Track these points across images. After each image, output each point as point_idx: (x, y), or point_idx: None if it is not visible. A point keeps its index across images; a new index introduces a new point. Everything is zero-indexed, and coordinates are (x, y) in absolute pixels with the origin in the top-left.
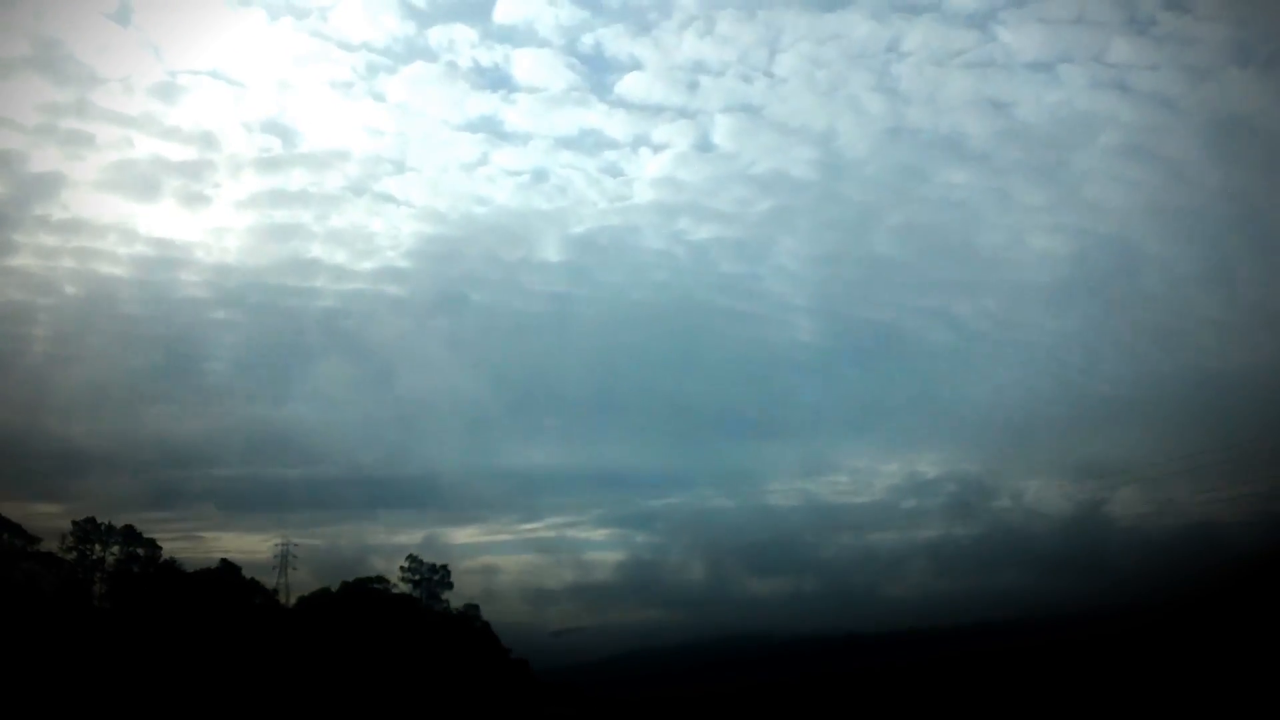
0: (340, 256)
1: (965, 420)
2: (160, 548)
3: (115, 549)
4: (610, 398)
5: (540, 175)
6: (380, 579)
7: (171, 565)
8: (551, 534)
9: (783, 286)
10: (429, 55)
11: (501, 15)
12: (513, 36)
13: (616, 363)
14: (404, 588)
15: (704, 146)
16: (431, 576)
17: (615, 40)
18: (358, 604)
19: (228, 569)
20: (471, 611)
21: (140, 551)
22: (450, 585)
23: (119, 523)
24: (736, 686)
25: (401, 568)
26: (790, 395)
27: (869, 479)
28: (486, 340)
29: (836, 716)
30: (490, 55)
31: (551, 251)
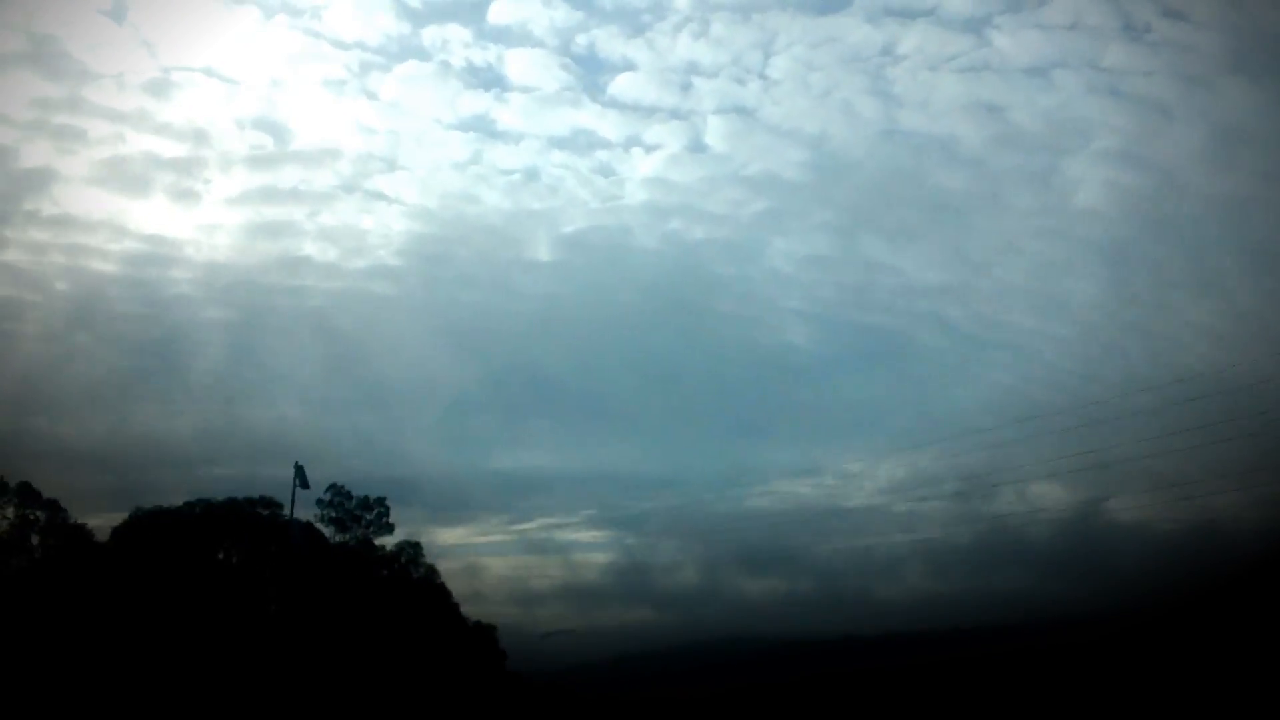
0: (331, 254)
1: (958, 423)
2: (65, 510)
3: (10, 512)
4: (602, 399)
5: (532, 174)
6: (267, 501)
7: (82, 530)
8: (541, 535)
9: (774, 289)
10: (422, 54)
11: (495, 15)
12: (506, 37)
13: (608, 364)
14: (326, 530)
15: (696, 148)
16: (361, 514)
17: (609, 41)
18: (200, 529)
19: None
20: (410, 553)
21: (39, 515)
22: (390, 528)
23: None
24: (729, 689)
25: (320, 501)
26: (782, 397)
27: (862, 481)
28: (477, 340)
29: (832, 719)
30: (484, 55)
31: (543, 251)
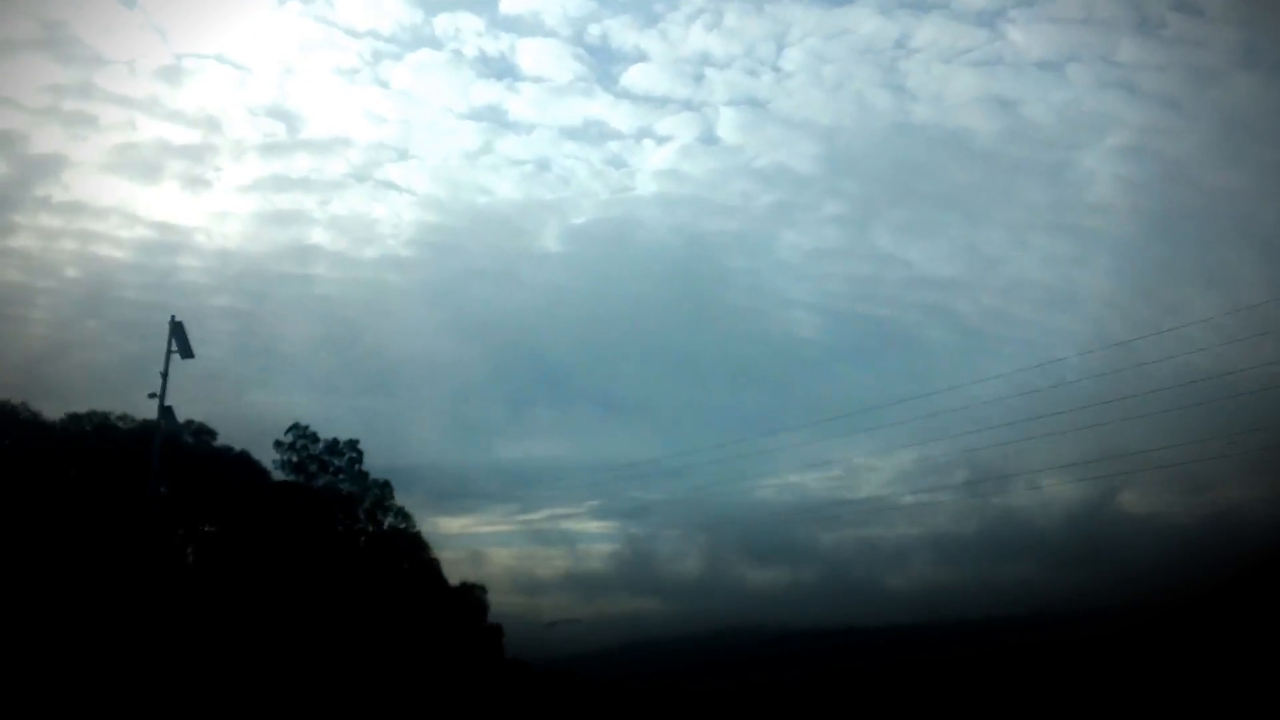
0: (341, 243)
1: (966, 415)
2: None
3: None
4: (609, 389)
5: (543, 165)
6: (202, 428)
7: None
8: (548, 525)
9: (784, 281)
10: (434, 43)
11: (508, 4)
12: (519, 26)
13: (616, 354)
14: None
15: (708, 139)
16: (329, 460)
17: (622, 31)
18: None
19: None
20: (376, 493)
21: None
22: (364, 477)
23: None
24: (733, 679)
25: (278, 443)
26: (789, 390)
27: (869, 473)
28: (485, 331)
29: (836, 711)
30: (496, 44)
31: (552, 242)
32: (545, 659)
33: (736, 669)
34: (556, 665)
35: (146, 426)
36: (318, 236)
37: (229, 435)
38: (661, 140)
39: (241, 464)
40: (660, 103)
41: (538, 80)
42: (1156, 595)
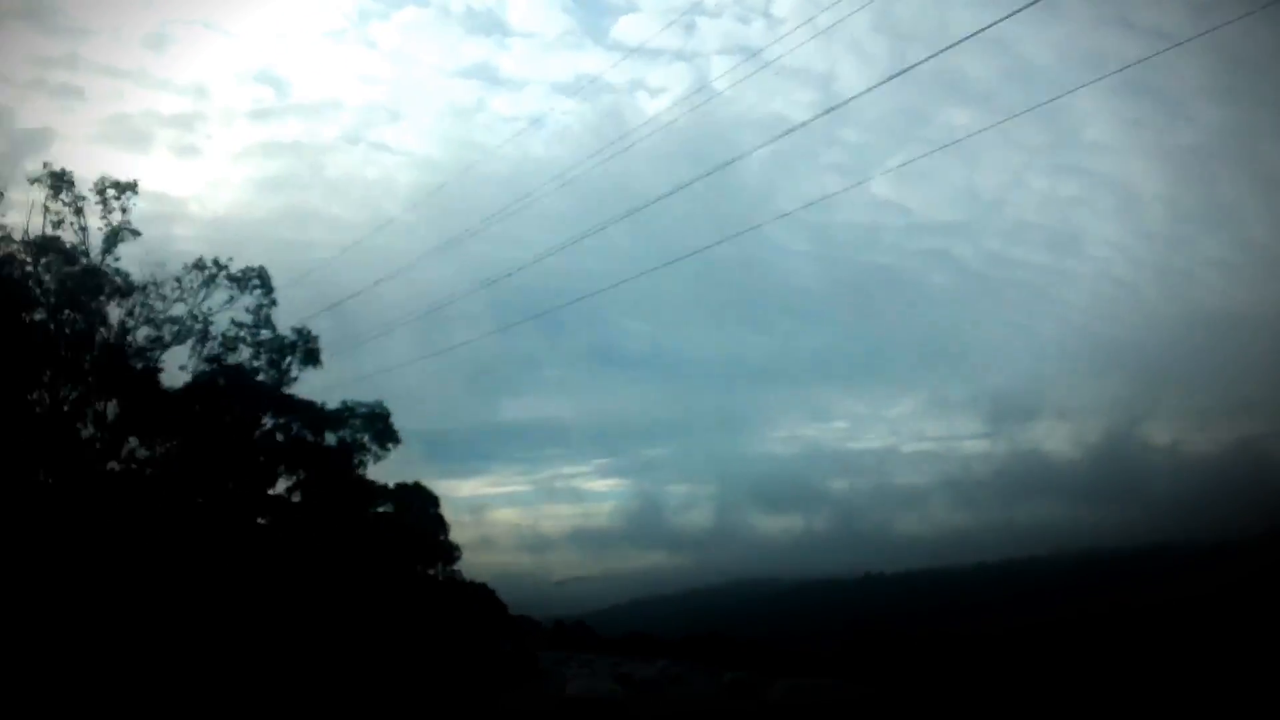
0: (336, 207)
1: (969, 360)
2: None
3: None
4: (612, 348)
5: (536, 122)
6: None
7: None
8: (556, 484)
9: (782, 232)
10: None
11: None
12: None
13: (617, 313)
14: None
15: (702, 90)
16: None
17: None
18: None
19: None
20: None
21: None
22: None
23: None
24: (747, 631)
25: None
26: (791, 341)
27: (872, 422)
28: (486, 291)
29: (852, 659)
30: None
31: (549, 200)
32: (557, 616)
33: (748, 618)
34: (567, 621)
35: None
36: (313, 201)
37: None
38: (655, 92)
39: None
40: (652, 54)
41: (527, 35)
42: (1183, 531)
